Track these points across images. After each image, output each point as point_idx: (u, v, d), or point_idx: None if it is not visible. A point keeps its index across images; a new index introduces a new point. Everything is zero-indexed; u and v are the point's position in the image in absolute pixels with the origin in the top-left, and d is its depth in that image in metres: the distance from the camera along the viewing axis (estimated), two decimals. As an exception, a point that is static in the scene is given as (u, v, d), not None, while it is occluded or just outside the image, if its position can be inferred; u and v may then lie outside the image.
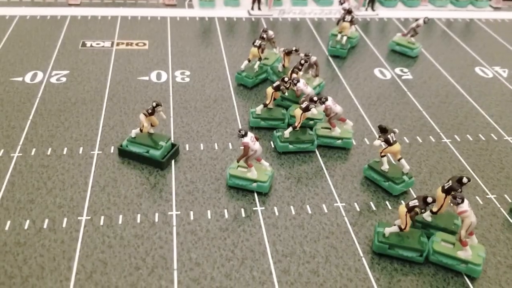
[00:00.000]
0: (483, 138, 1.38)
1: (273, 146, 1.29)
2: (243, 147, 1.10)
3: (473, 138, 1.37)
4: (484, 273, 0.97)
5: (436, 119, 1.44)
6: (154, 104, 1.19)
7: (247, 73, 1.53)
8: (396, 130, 1.17)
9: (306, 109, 1.23)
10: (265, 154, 1.26)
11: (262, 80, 1.56)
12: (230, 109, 1.43)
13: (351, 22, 1.77)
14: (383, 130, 1.15)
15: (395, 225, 0.99)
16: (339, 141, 1.27)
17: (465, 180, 0.98)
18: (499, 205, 1.14)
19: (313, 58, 1.47)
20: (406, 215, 0.96)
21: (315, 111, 1.24)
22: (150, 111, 1.18)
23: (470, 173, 1.24)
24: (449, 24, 2.12)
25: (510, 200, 1.15)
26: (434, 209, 1.03)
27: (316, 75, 1.49)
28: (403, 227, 0.97)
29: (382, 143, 1.14)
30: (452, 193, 0.98)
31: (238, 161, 1.12)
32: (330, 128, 1.28)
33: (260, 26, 1.95)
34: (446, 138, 1.37)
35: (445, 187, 1.01)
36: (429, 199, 0.94)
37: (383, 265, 0.98)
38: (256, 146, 1.10)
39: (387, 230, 0.98)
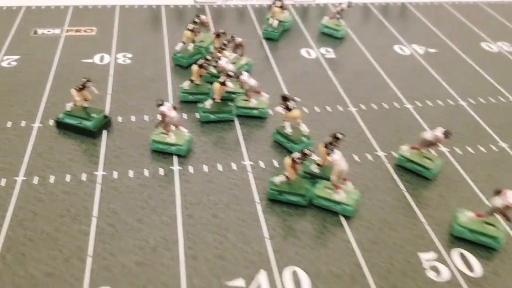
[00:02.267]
0: (387, 107, 1.56)
1: (198, 117, 1.47)
2: (161, 115, 1.27)
3: (377, 107, 1.56)
4: (358, 213, 1.15)
5: (348, 92, 1.61)
6: (84, 80, 1.35)
7: (182, 54, 1.69)
8: (297, 99, 1.34)
9: (223, 83, 1.40)
10: (190, 123, 1.42)
11: (197, 60, 1.66)
12: (164, 86, 1.58)
13: (282, 7, 1.94)
14: (284, 99, 1.32)
15: (283, 175, 1.17)
16: (256, 111, 1.45)
17: (338, 135, 1.17)
18: (386, 161, 1.33)
19: (238, 39, 1.64)
20: (290, 166, 1.14)
21: (231, 84, 1.41)
22: (80, 86, 1.34)
23: (367, 135, 1.42)
24: (381, 8, 2.28)
25: (396, 157, 1.33)
26: (320, 162, 1.21)
27: (242, 55, 1.67)
28: (289, 176, 1.15)
29: (282, 110, 1.32)
30: (327, 146, 1.16)
31: (155, 127, 1.29)
32: (248, 100, 1.47)
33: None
34: (353, 107, 1.55)
35: (325, 143, 1.19)
36: (306, 151, 1.12)
37: (274, 208, 1.15)
38: (172, 114, 1.27)
39: (276, 179, 1.16)
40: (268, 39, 1.92)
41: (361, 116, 1.52)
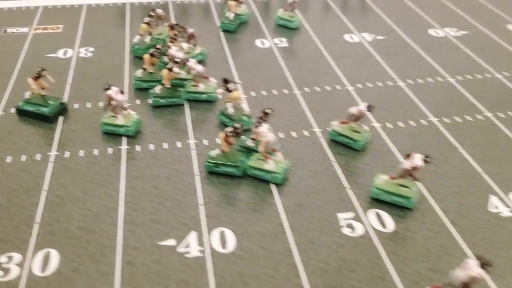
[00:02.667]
0: (329, 89, 1.67)
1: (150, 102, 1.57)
2: (107, 98, 1.38)
3: (320, 89, 1.66)
4: (288, 181, 1.26)
5: (295, 77, 1.72)
6: (40, 69, 1.45)
7: (140, 46, 1.80)
8: (238, 81, 1.44)
9: (170, 69, 1.50)
10: (143, 108, 1.51)
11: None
12: (121, 76, 1.69)
13: (237, 1, 2.04)
14: (225, 81, 1.43)
15: (219, 148, 1.27)
16: (204, 95, 1.55)
17: (267, 110, 1.28)
18: (321, 136, 1.43)
19: (190, 30, 1.75)
20: (224, 139, 1.24)
21: (177, 70, 1.51)
22: (36, 75, 1.44)
23: (306, 114, 1.51)
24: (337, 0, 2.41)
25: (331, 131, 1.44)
26: (254, 137, 1.31)
27: (195, 45, 1.77)
28: (223, 149, 1.25)
29: (223, 92, 1.42)
30: (257, 121, 1.27)
31: (104, 110, 1.40)
32: (196, 85, 1.56)
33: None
34: (297, 90, 1.66)
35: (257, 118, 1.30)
36: (237, 125, 1.22)
37: (211, 179, 1.26)
38: (119, 97, 1.37)
39: (213, 153, 1.26)
40: (225, 31, 2.03)
41: (304, 97, 1.62)
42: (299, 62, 1.83)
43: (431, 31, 2.11)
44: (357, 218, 1.16)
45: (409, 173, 1.15)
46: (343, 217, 1.16)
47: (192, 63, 1.54)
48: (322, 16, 2.23)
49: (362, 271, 1.04)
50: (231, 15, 2.02)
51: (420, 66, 1.82)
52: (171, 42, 1.68)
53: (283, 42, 1.99)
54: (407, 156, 1.18)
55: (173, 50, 1.61)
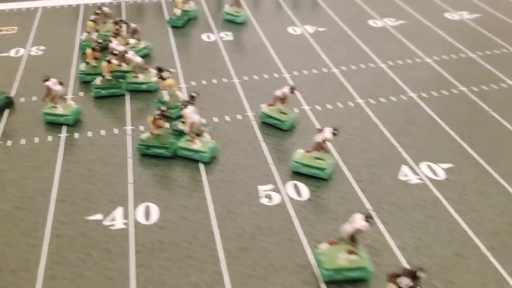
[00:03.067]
0: (267, 77, 1.76)
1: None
2: (46, 89, 1.45)
3: (258, 77, 1.75)
4: (216, 160, 1.34)
5: (236, 68, 1.80)
6: (-18, 64, 1.52)
7: (87, 43, 1.87)
8: (172, 70, 1.53)
9: (109, 62, 1.58)
10: (86, 99, 1.58)
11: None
12: (68, 70, 1.76)
13: (185, -3, 2.15)
14: (159, 70, 1.51)
15: (151, 132, 1.35)
16: (144, 85, 1.63)
17: (193, 94, 1.36)
18: (253, 119, 1.51)
19: (133, 25, 1.83)
20: (152, 122, 1.32)
21: (115, 61, 1.59)
22: (-21, 70, 1.51)
23: (242, 100, 1.59)
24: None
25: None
26: (183, 120, 1.38)
27: (139, 39, 1.86)
28: (152, 131, 1.33)
29: (157, 79, 1.51)
30: (182, 105, 1.35)
31: (42, 100, 1.47)
32: (136, 76, 1.64)
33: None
34: (236, 79, 1.74)
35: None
36: (163, 108, 1.31)
37: (143, 161, 1.34)
38: (57, 88, 1.45)
39: (143, 136, 1.35)
40: (174, 27, 2.12)
41: (242, 85, 1.71)
42: (242, 53, 1.93)
43: (371, 22, 2.21)
44: (276, 190, 1.25)
45: (321, 146, 1.24)
46: (263, 189, 1.25)
47: (130, 55, 1.62)
48: (268, 11, 2.32)
49: (274, 235, 1.12)
50: (178, 12, 2.11)
51: (355, 55, 1.92)
52: (113, 37, 1.77)
53: (228, 35, 2.08)
54: (319, 130, 1.27)
55: (114, 44, 1.69)
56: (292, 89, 1.42)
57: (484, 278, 1.03)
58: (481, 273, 1.04)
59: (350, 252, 0.98)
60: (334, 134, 1.24)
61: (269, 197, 1.23)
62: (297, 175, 1.30)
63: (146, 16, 2.26)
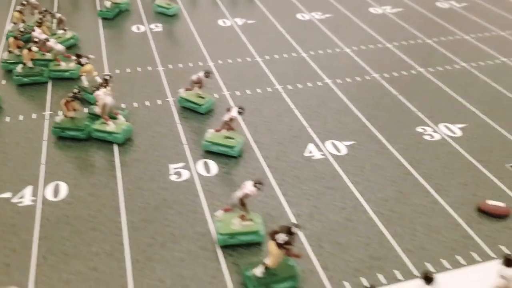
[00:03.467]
0: (191, 65, 1.81)
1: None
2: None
3: (182, 65, 1.80)
4: (131, 141, 1.37)
5: (162, 56, 1.83)
6: None
7: (13, 33, 1.86)
8: (90, 56, 1.56)
9: (30, 49, 1.60)
10: (7, 87, 1.58)
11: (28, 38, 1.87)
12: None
13: (112, -10, 2.18)
14: (77, 56, 1.54)
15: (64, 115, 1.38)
16: (67, 73, 1.66)
17: (106, 77, 1.41)
18: (173, 104, 1.55)
19: (58, 15, 1.86)
20: (64, 104, 1.35)
21: (36, 48, 1.61)
22: None
23: (164, 86, 1.63)
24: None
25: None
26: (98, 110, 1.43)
27: (64, 29, 1.88)
28: (66, 114, 1.36)
29: (75, 65, 1.55)
30: (94, 87, 1.39)
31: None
32: (59, 64, 1.67)
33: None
34: (160, 67, 1.79)
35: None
36: (75, 91, 1.35)
37: (58, 143, 1.36)
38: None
39: (57, 118, 1.38)
40: (104, 19, 2.15)
41: (165, 73, 1.75)
42: (169, 43, 1.98)
43: (299, 16, 2.31)
44: (186, 167, 1.31)
45: (228, 124, 1.31)
46: (174, 167, 1.31)
47: (52, 42, 1.64)
48: (202, 4, 2.38)
49: (178, 207, 1.18)
50: (108, 4, 2.15)
51: (279, 45, 2.00)
52: (37, 26, 1.78)
53: (158, 27, 2.12)
54: (227, 110, 1.33)
55: (36, 33, 1.71)
56: (207, 73, 1.48)
57: (368, 239, 1.11)
58: (366, 235, 1.12)
59: (243, 217, 1.05)
60: (239, 113, 1.30)
61: (178, 174, 1.28)
62: (209, 154, 1.36)
63: (78, 8, 2.27)
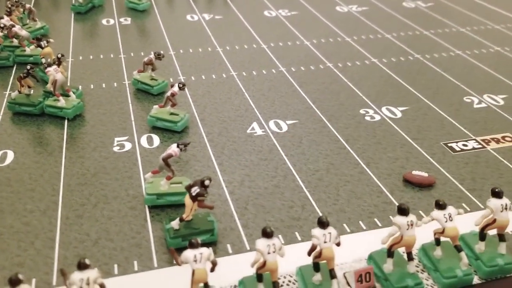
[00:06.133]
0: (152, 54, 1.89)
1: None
2: None
3: (144, 54, 1.86)
4: (81, 117, 1.44)
5: (125, 45, 1.91)
6: None
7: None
8: (51, 40, 1.64)
9: (-6, 34, 1.68)
10: None
11: None
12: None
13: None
14: (37, 39, 1.62)
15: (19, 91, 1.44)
16: (31, 58, 1.72)
17: (58, 55, 1.47)
18: (128, 87, 1.62)
19: (27, 6, 1.94)
20: (18, 80, 1.41)
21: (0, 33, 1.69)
22: None
23: (123, 71, 1.70)
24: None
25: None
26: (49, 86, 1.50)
27: (34, 20, 1.96)
28: (19, 90, 1.43)
29: (35, 48, 1.64)
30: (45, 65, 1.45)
31: None
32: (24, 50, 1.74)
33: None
34: (122, 54, 1.86)
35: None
36: (28, 67, 1.41)
37: (13, 118, 1.42)
38: None
39: (13, 95, 1.44)
40: (77, 13, 2.24)
41: (126, 60, 1.83)
42: (135, 35, 2.06)
43: (266, 12, 2.39)
44: (130, 140, 1.37)
45: (170, 99, 1.37)
46: (118, 139, 1.37)
47: (17, 28, 1.72)
48: (174, 1, 2.45)
49: (116, 173, 1.23)
50: (80, -1, 2.27)
51: (242, 37, 2.08)
52: (6, 14, 1.87)
53: (127, 20, 2.21)
54: (171, 86, 1.40)
55: (4, 20, 1.79)
56: (157, 55, 1.55)
57: (292, 203, 1.16)
58: (291, 199, 1.17)
59: (168, 178, 1.10)
60: (180, 88, 1.37)
61: (121, 145, 1.34)
62: (156, 129, 1.42)
63: (56, 3, 2.36)
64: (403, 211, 0.90)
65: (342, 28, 2.23)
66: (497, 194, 0.96)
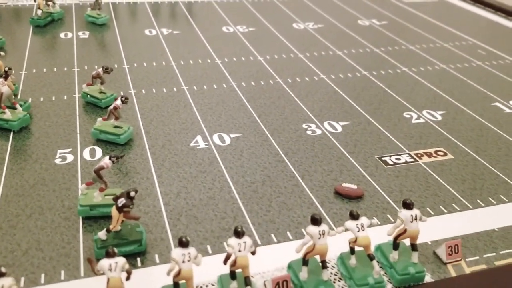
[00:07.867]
0: (116, 67, 1.91)
1: None
2: None
3: (98, 67, 1.90)
4: (27, 129, 1.46)
5: (80, 58, 1.95)
6: None
7: None
8: (2, 53, 1.66)
9: None
10: None
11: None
12: None
13: (47, 1, 2.29)
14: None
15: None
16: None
17: (6, 69, 1.49)
18: (78, 100, 1.66)
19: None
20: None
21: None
22: None
23: (75, 85, 1.73)
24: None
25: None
26: None
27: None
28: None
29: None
30: None
31: None
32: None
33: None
34: (77, 68, 1.90)
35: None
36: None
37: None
38: None
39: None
40: (36, 26, 2.27)
41: (79, 73, 1.85)
42: (91, 48, 2.09)
43: (224, 28, 2.46)
44: (72, 152, 1.39)
45: (112, 113, 1.41)
46: (61, 151, 1.39)
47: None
48: (134, 16, 2.52)
49: (54, 185, 1.25)
50: (39, 12, 2.28)
51: (197, 52, 2.13)
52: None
53: (85, 34, 2.24)
54: (115, 99, 1.44)
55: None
56: (105, 69, 1.59)
57: (225, 214, 1.20)
58: (224, 211, 1.22)
59: (101, 190, 1.13)
60: (123, 101, 1.41)
61: (63, 157, 1.37)
62: (99, 141, 1.45)
63: (18, 16, 2.38)
64: (315, 221, 0.95)
65: (296, 45, 2.31)
66: (407, 206, 1.03)
